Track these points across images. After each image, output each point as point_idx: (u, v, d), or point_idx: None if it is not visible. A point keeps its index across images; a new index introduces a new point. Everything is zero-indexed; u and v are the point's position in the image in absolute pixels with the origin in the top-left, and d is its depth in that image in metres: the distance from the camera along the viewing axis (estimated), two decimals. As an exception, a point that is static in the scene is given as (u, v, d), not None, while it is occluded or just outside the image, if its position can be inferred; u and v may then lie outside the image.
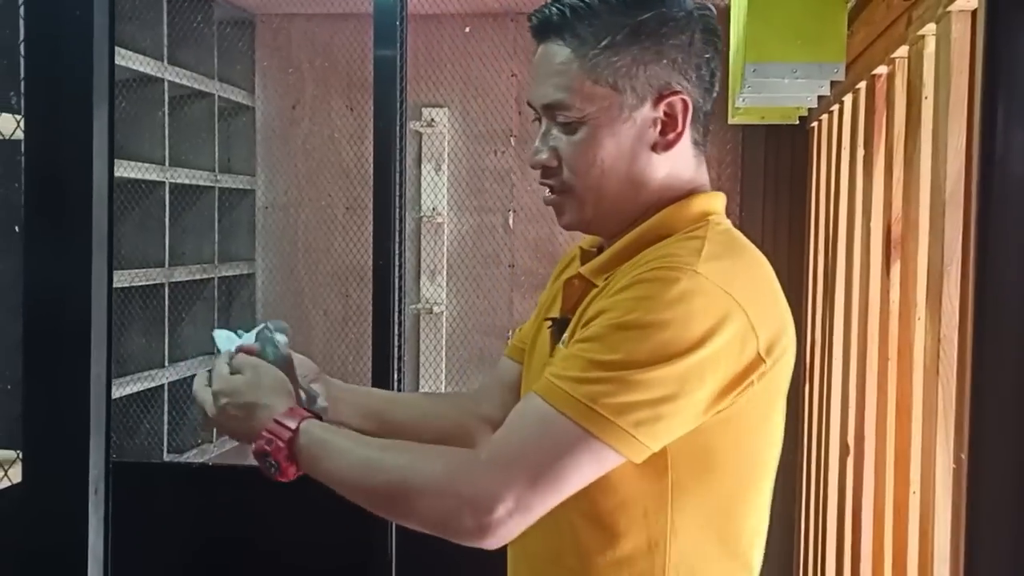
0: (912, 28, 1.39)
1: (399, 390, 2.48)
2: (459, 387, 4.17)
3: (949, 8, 1.18)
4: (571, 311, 1.08)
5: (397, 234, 2.48)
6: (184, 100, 3.71)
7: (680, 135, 1.05)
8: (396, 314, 2.49)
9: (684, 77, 1.05)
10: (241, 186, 4.08)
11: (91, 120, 0.80)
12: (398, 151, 2.47)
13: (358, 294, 3.99)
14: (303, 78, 4.11)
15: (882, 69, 1.68)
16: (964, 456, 0.94)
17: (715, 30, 1.08)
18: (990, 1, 0.89)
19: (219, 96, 3.83)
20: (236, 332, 1.18)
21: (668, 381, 0.94)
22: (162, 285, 3.51)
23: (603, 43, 1.03)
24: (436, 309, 4.13)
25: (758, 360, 0.98)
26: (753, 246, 1.09)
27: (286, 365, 1.15)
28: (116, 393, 3.19)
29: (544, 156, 1.07)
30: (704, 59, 1.06)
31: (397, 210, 2.47)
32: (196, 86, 3.69)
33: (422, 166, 4.11)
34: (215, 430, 1.17)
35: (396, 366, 2.46)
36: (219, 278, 3.89)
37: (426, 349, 4.15)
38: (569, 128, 1.05)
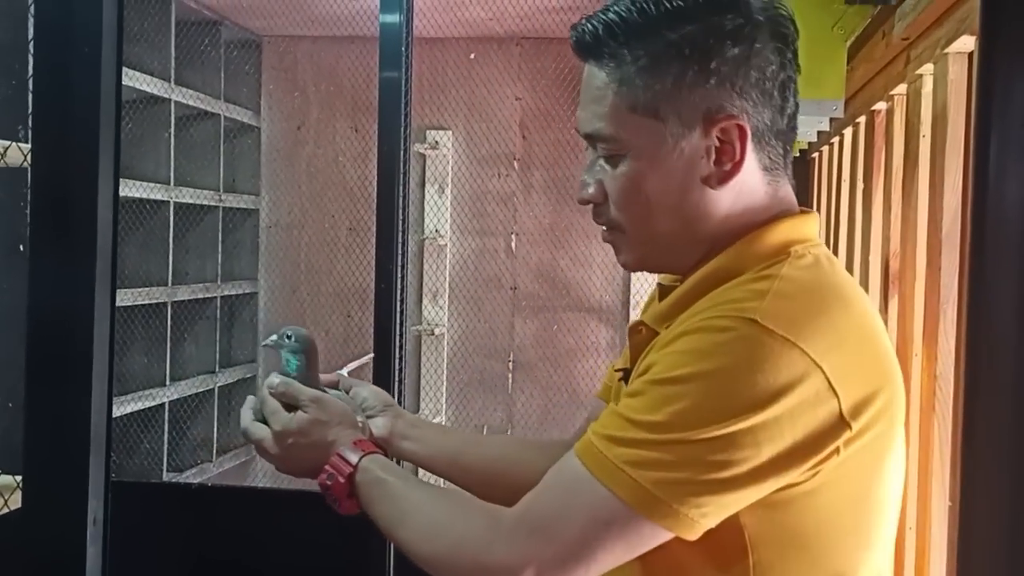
0: (910, 67, 1.40)
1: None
2: (458, 409, 4.17)
3: (947, 50, 1.19)
4: (634, 361, 0.95)
5: (400, 256, 2.49)
6: (190, 120, 3.75)
7: (739, 165, 0.90)
8: (398, 336, 2.49)
9: (741, 97, 0.89)
10: (245, 206, 4.10)
11: (97, 148, 0.81)
12: (402, 173, 2.48)
13: (359, 315, 4.00)
14: (308, 100, 4.14)
15: (881, 105, 1.69)
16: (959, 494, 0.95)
17: (784, 35, 0.92)
18: (985, 44, 0.90)
19: (225, 116, 3.87)
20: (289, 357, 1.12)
21: (714, 447, 0.81)
22: (164, 304, 3.53)
23: (640, 63, 0.89)
24: (438, 331, 4.14)
25: (840, 425, 0.83)
26: (850, 282, 0.93)
27: (309, 373, 1.13)
28: (116, 412, 3.19)
29: (590, 191, 0.95)
30: (767, 73, 0.90)
31: (400, 232, 2.48)
32: (202, 106, 3.72)
33: (425, 188, 4.13)
34: (273, 466, 1.11)
35: (397, 388, 2.47)
36: (221, 297, 3.90)
37: (427, 371, 4.16)
38: (612, 161, 0.93)
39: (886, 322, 1.72)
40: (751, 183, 0.93)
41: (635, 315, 4.51)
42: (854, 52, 1.79)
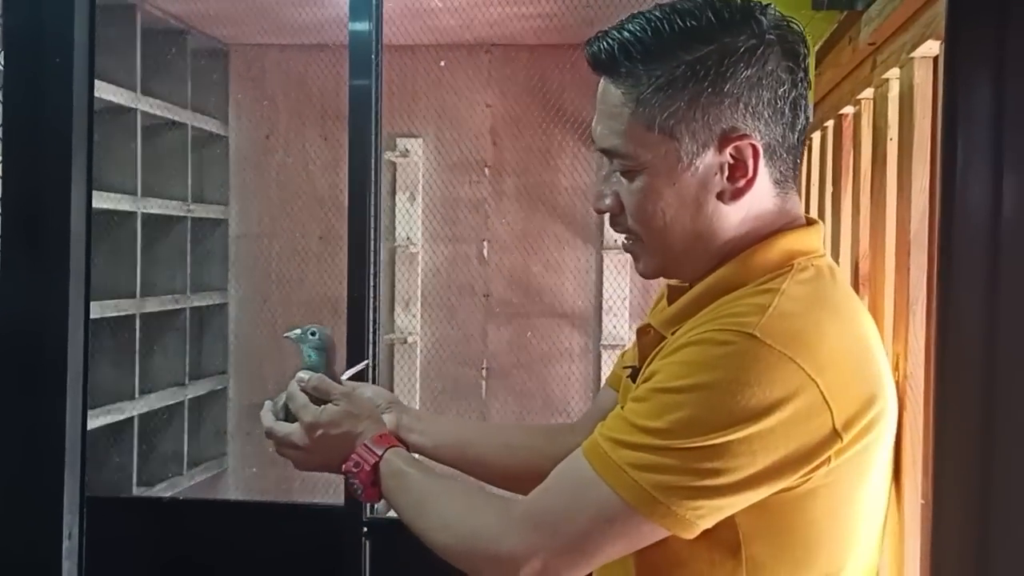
0: (877, 71, 1.42)
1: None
2: (432, 417, 4.15)
3: (912, 54, 1.21)
4: (642, 361, 0.99)
5: (372, 264, 2.48)
6: (157, 130, 3.71)
7: (751, 181, 0.93)
8: (371, 345, 2.48)
9: (753, 116, 0.92)
10: (214, 216, 4.07)
11: (69, 159, 0.81)
12: (373, 181, 2.48)
13: (332, 324, 3.95)
14: (277, 108, 4.12)
15: (848, 109, 1.71)
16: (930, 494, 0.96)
17: (795, 52, 0.94)
18: (948, 49, 0.92)
19: (192, 126, 3.83)
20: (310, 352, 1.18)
21: (711, 454, 0.85)
22: (133, 316, 3.49)
23: (655, 84, 0.91)
24: (410, 339, 4.13)
25: (832, 437, 0.86)
26: (849, 294, 0.98)
27: (329, 369, 1.18)
28: (85, 425, 3.15)
29: (607, 202, 0.99)
30: (779, 93, 0.93)
31: (372, 240, 2.48)
32: (169, 116, 3.69)
33: (396, 196, 4.12)
34: (292, 462, 1.15)
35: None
36: (191, 308, 3.87)
37: (400, 380, 4.14)
38: (629, 175, 0.95)
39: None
40: (761, 197, 0.96)
41: (608, 320, 4.52)
42: (821, 57, 1.81)
